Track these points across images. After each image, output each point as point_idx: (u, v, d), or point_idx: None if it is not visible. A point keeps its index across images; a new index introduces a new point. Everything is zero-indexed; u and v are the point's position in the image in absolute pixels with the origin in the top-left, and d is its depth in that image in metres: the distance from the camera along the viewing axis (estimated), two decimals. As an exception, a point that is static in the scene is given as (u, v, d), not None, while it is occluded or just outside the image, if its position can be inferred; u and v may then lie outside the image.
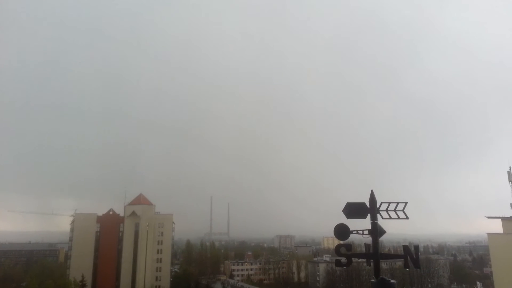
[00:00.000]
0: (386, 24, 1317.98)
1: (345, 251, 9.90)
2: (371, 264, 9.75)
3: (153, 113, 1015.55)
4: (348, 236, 9.84)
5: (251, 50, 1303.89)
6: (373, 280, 9.31)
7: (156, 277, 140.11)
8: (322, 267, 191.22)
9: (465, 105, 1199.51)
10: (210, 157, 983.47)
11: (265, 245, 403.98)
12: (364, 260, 10.10)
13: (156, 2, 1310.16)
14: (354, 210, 9.82)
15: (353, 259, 10.37)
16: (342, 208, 9.99)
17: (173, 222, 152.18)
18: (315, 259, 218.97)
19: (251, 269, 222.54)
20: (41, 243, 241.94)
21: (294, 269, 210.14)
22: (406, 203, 9.80)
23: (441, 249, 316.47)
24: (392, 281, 9.01)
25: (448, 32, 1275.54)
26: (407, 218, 9.68)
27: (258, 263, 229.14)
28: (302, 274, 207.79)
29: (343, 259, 9.93)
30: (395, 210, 9.93)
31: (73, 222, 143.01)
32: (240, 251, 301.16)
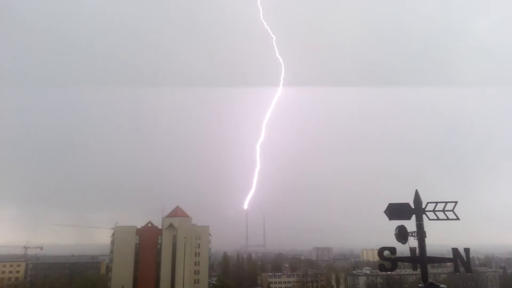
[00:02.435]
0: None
1: (389, 254, 9.39)
2: (417, 269, 9.20)
3: (189, 117, 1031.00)
4: (407, 238, 9.31)
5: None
6: (421, 285, 8.77)
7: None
8: (362, 280, 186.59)
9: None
10: (242, 168, 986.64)
11: (302, 257, 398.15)
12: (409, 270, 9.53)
13: None
14: (397, 211, 9.33)
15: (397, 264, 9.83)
16: (384, 210, 9.52)
17: (209, 234, 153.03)
18: (354, 271, 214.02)
19: (289, 282, 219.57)
20: (83, 255, 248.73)
21: (333, 282, 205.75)
22: (456, 202, 9.18)
23: (488, 261, 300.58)
24: (442, 286, 8.46)
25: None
26: (457, 218, 9.05)
27: (295, 275, 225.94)
28: (342, 287, 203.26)
29: (387, 263, 9.42)
30: (443, 211, 9.33)
31: (113, 234, 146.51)
32: (277, 263, 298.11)
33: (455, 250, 9.12)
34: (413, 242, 9.26)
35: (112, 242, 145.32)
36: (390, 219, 9.36)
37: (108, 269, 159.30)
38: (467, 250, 8.98)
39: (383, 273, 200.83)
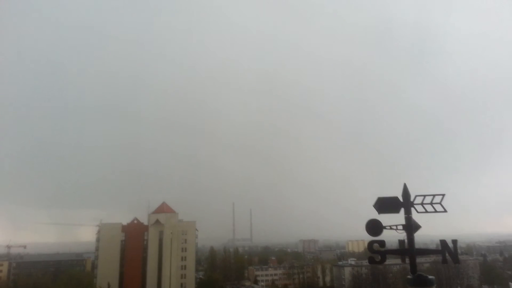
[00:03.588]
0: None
1: (378, 247, 9.54)
2: (406, 260, 9.35)
3: (170, 116, 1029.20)
4: (381, 232, 9.46)
5: (263, 44, 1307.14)
6: (409, 277, 8.93)
7: (181, 284, 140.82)
8: (347, 271, 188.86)
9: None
10: (229, 160, 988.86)
11: (289, 250, 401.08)
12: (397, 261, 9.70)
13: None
14: (386, 204, 9.45)
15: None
16: (373, 203, 9.63)
17: (196, 229, 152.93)
18: (340, 262, 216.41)
19: (275, 274, 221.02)
20: (68, 253, 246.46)
21: (319, 273, 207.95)
22: (443, 195, 9.35)
23: (469, 249, 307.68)
24: (430, 277, 8.63)
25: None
26: (445, 211, 9.23)
27: (282, 268, 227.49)
28: (327, 278, 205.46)
29: (376, 256, 9.57)
30: (431, 203, 9.49)
31: (98, 232, 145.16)
32: (264, 256, 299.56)
33: (443, 242, 9.29)
34: (401, 235, 9.41)
35: (98, 240, 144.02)
36: (379, 213, 9.48)
37: (94, 266, 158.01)
38: (454, 242, 9.17)
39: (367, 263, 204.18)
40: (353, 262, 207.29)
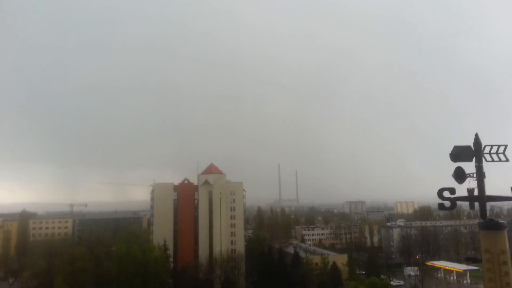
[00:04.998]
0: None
1: (448, 194, 9.84)
2: (476, 207, 9.66)
3: (210, 85, 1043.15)
4: (465, 179, 9.80)
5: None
6: (480, 221, 9.24)
7: (231, 241, 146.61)
8: (396, 232, 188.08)
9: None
10: (273, 127, 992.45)
11: (335, 210, 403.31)
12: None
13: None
14: (460, 153, 9.75)
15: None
16: (450, 152, 9.99)
17: (243, 190, 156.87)
18: (388, 224, 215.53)
19: (322, 234, 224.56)
20: (125, 211, 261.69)
21: (367, 234, 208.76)
22: (506, 146, 9.72)
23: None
24: (502, 221, 8.90)
25: None
26: (507, 160, 9.64)
27: (329, 228, 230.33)
28: (375, 239, 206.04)
29: (446, 203, 9.88)
30: (496, 153, 9.82)
31: (153, 191, 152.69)
32: (310, 217, 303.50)
33: (514, 190, 9.46)
34: (472, 184, 9.72)
35: (152, 199, 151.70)
36: (454, 161, 9.82)
37: (150, 223, 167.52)
38: (526, 189, 9.30)
39: (419, 224, 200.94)
40: (402, 224, 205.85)
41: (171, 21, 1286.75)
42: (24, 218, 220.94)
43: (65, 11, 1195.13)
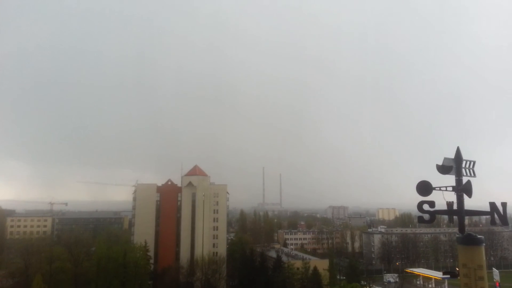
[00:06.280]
0: None
1: (428, 207, 9.90)
2: (454, 220, 9.73)
3: (195, 88, 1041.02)
4: (431, 192, 9.84)
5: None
6: (458, 235, 9.30)
7: (213, 244, 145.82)
8: (377, 238, 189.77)
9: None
10: (258, 131, 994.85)
11: (318, 215, 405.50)
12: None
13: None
14: (444, 165, 9.86)
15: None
16: (439, 164, 10.11)
17: (227, 192, 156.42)
18: (369, 229, 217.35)
19: (305, 239, 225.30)
20: (106, 211, 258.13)
21: (348, 240, 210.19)
22: (474, 162, 9.93)
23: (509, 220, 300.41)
24: (479, 236, 8.97)
25: None
26: (474, 176, 9.89)
27: (311, 233, 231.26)
28: (356, 245, 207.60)
29: (426, 216, 9.94)
30: (467, 168, 10.03)
31: (135, 191, 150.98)
32: (293, 221, 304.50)
33: (492, 204, 9.56)
34: (449, 197, 9.78)
35: (134, 199, 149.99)
36: (442, 174, 9.91)
37: (131, 224, 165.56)
38: (504, 204, 9.42)
39: (399, 231, 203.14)
40: (383, 230, 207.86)
41: (155, 22, 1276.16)
42: (1, 215, 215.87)
43: (58, 13, 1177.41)
